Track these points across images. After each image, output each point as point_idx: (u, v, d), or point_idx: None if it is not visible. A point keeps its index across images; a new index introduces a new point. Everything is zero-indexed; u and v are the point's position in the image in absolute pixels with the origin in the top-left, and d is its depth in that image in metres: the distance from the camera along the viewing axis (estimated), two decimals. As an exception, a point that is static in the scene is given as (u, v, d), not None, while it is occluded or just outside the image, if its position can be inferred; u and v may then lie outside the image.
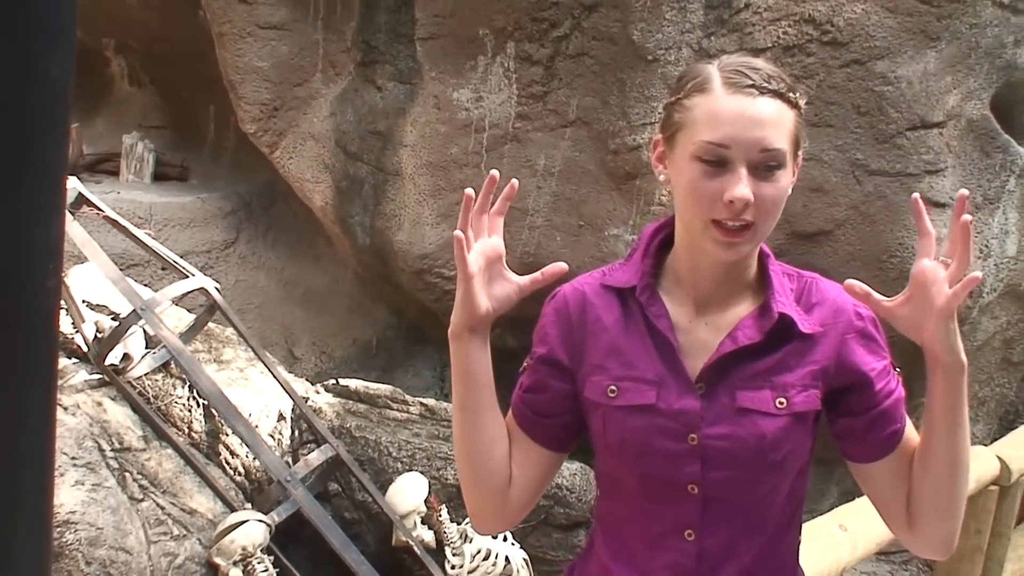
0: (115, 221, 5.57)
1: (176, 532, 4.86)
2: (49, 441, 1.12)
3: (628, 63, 6.81)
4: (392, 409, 5.88)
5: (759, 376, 2.04)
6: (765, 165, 1.93)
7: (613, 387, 2.06)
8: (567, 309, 2.14)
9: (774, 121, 1.93)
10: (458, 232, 1.94)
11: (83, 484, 4.60)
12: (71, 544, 4.40)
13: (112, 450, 4.90)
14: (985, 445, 5.07)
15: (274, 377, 5.58)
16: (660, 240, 2.14)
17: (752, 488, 2.05)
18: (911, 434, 2.06)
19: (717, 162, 1.93)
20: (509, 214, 6.57)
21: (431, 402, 6.00)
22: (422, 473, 5.49)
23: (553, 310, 2.17)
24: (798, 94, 1.99)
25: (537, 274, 1.99)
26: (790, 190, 2.02)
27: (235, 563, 4.81)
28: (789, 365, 2.04)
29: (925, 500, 2.03)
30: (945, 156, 6.52)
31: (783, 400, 2.02)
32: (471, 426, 2.10)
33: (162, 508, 4.90)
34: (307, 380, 6.49)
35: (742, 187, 1.90)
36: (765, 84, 1.93)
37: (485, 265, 2.01)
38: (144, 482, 4.93)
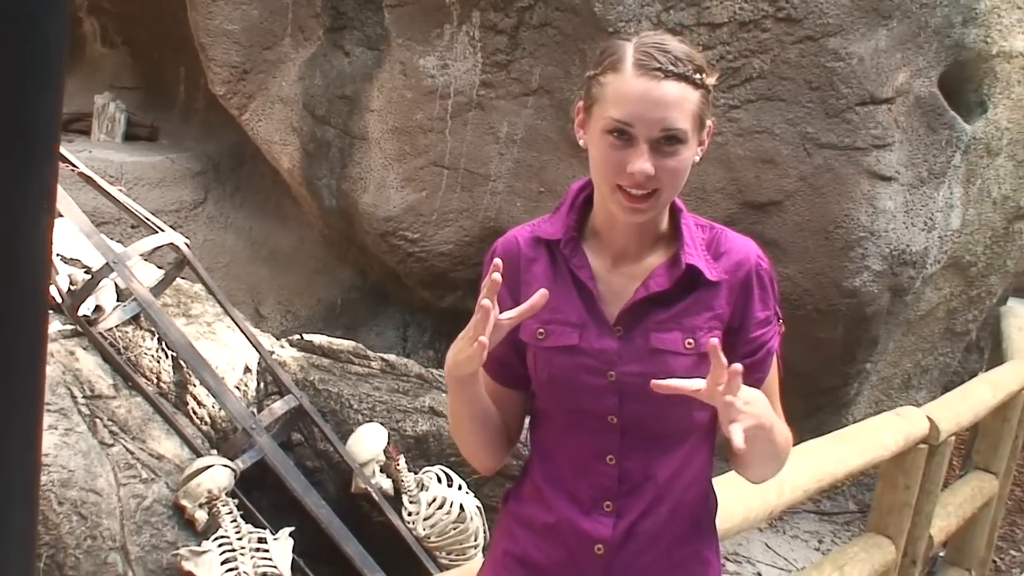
0: (89, 178, 5.67)
1: (145, 476, 4.95)
2: (38, 384, 1.11)
3: (589, 34, 6.96)
4: (354, 364, 6.00)
5: (670, 320, 2.26)
6: (666, 142, 2.13)
7: (542, 330, 2.29)
8: (505, 260, 2.32)
9: (676, 103, 2.11)
10: (485, 302, 2.04)
11: (56, 429, 4.71)
12: (44, 485, 4.50)
13: (84, 397, 4.99)
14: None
15: (241, 331, 5.68)
16: (584, 197, 2.36)
17: (664, 418, 2.28)
18: (769, 386, 2.31)
19: (623, 137, 2.14)
20: (472, 179, 6.75)
21: (392, 357, 6.12)
22: (382, 424, 5.63)
23: (492, 257, 2.37)
24: (704, 75, 2.16)
25: (525, 306, 2.09)
26: (697, 158, 2.22)
27: (201, 506, 4.92)
28: (696, 309, 2.27)
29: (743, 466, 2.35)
30: (893, 131, 6.69)
31: (691, 341, 2.24)
32: (480, 427, 2.33)
33: (131, 453, 4.98)
34: (272, 336, 6.60)
35: (642, 162, 2.11)
36: (671, 67, 2.11)
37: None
38: (114, 428, 5.01)
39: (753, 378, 2.24)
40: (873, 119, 6.63)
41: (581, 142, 2.27)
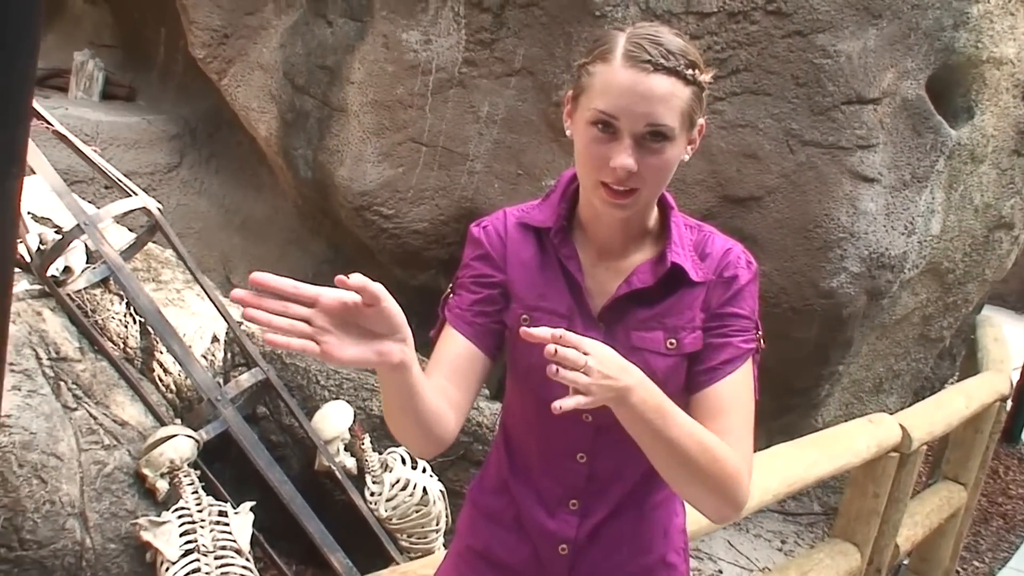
0: (64, 136, 5.61)
1: (107, 442, 4.91)
2: (1, 343, 1.07)
3: (576, 17, 6.90)
4: (324, 339, 5.95)
5: (652, 318, 2.22)
6: (652, 138, 2.07)
7: (527, 316, 2.25)
8: (495, 234, 2.32)
9: (664, 98, 2.05)
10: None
11: (19, 390, 4.66)
12: (4, 446, 4.47)
13: (48, 359, 4.94)
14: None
15: (210, 300, 5.64)
16: (575, 187, 2.31)
17: None
18: (732, 401, 2.17)
19: (607, 130, 2.08)
20: (450, 157, 6.69)
21: (363, 334, 6.06)
22: (348, 402, 5.59)
23: (482, 231, 2.34)
24: (697, 71, 2.09)
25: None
26: (686, 158, 2.17)
27: (162, 475, 4.88)
28: (679, 309, 2.22)
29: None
30: (878, 132, 6.65)
31: (673, 341, 2.20)
32: (413, 416, 2.04)
33: (94, 418, 4.94)
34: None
35: (624, 157, 2.05)
36: (662, 61, 2.04)
37: (341, 324, 1.81)
38: (78, 392, 4.97)
39: (700, 369, 2.20)
40: (858, 119, 6.59)
41: (568, 132, 2.22)
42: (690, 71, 2.08)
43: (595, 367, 1.88)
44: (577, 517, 2.33)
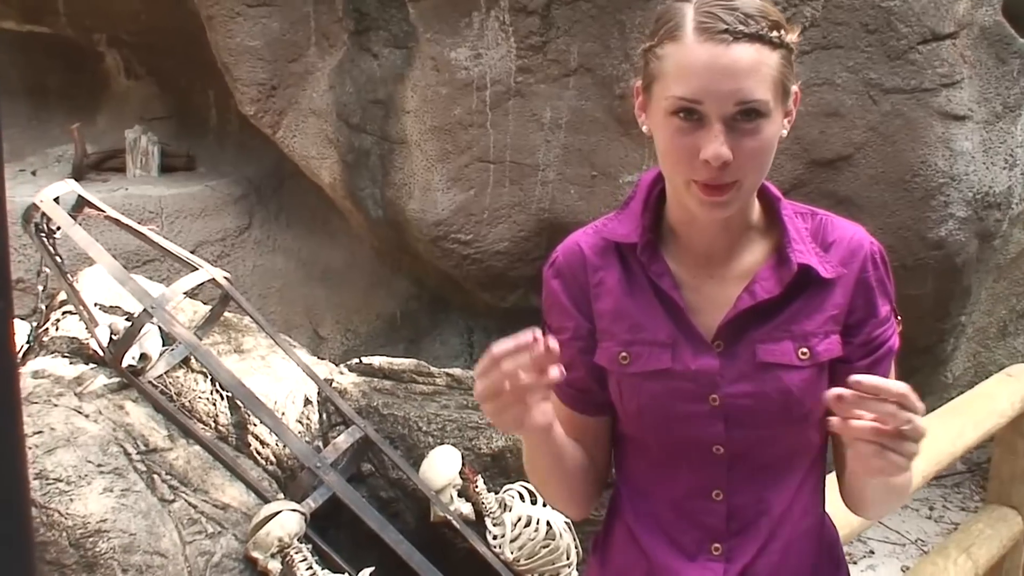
0: (117, 220, 5.47)
1: (211, 530, 4.76)
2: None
3: (626, 3, 6.72)
4: (418, 383, 5.76)
5: (778, 328, 1.94)
6: (744, 118, 1.78)
7: (624, 353, 1.97)
8: (570, 274, 2.03)
9: (751, 69, 1.77)
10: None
11: (111, 491, 4.51)
12: (105, 553, 4.32)
13: (138, 453, 4.80)
14: (1033, 360, 4.94)
15: (294, 362, 5.48)
16: (660, 190, 2.00)
17: (778, 442, 1.98)
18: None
19: (691, 118, 1.79)
20: (520, 171, 6.50)
21: (457, 372, 5.88)
22: (454, 445, 5.37)
23: (556, 278, 2.05)
24: (782, 32, 1.81)
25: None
26: (784, 133, 1.88)
27: (273, 555, 4.72)
28: (808, 312, 1.94)
29: (861, 498, 2.05)
30: (960, 67, 6.39)
31: (806, 351, 1.92)
32: (561, 475, 2.06)
33: (194, 507, 4.80)
34: (333, 359, 6.41)
35: (717, 146, 1.76)
36: (741, 27, 1.76)
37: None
38: (174, 482, 4.84)
39: None
40: (938, 57, 6.32)
41: (644, 128, 1.91)
42: (775, 33, 1.79)
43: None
44: (722, 563, 2.03)
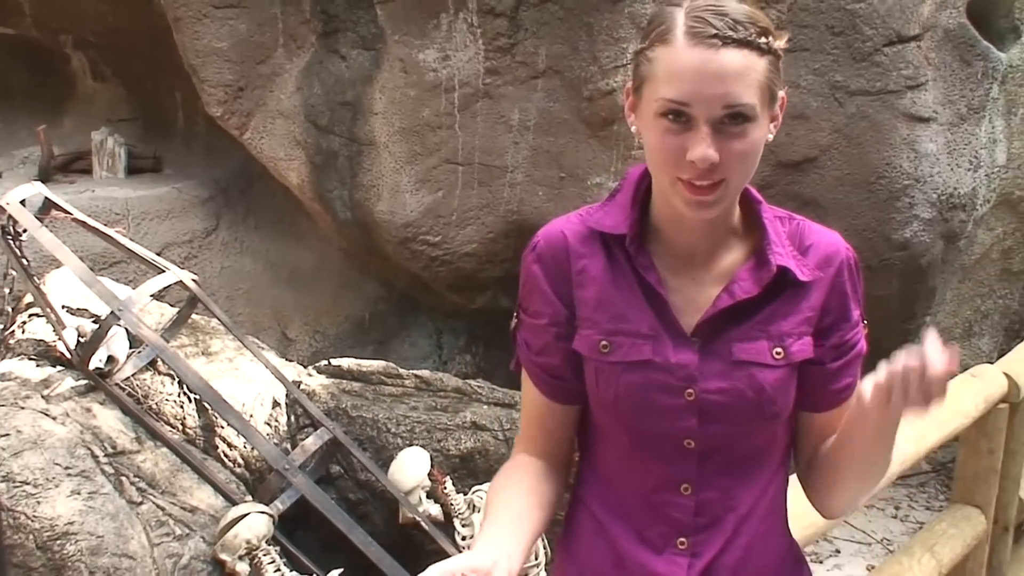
0: (83, 222, 5.45)
1: (179, 532, 4.76)
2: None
3: (593, 5, 6.73)
4: (387, 384, 5.75)
5: (754, 327, 1.97)
6: (731, 121, 1.80)
7: (605, 342, 1.99)
8: (552, 260, 2.04)
9: (739, 74, 1.79)
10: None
11: (79, 493, 4.51)
12: (73, 556, 4.32)
13: (106, 455, 4.80)
14: (991, 362, 4.96)
15: (262, 364, 5.47)
16: (646, 187, 2.02)
17: (748, 439, 2.01)
18: (858, 391, 1.97)
19: (680, 120, 1.81)
20: (488, 172, 6.49)
21: (426, 373, 5.87)
22: (423, 446, 5.38)
23: (537, 263, 2.06)
24: (770, 38, 1.83)
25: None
26: (770, 137, 1.90)
27: (241, 557, 4.73)
28: (784, 313, 1.98)
29: (840, 479, 2.06)
30: (925, 69, 6.44)
31: (780, 350, 1.96)
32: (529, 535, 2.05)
33: (162, 509, 4.80)
34: (301, 361, 6.39)
35: (704, 148, 1.79)
36: (730, 33, 1.78)
37: None
38: (141, 484, 4.84)
39: (843, 384, 2.00)
40: (903, 59, 6.36)
41: (633, 128, 1.94)
42: (763, 39, 1.81)
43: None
44: (687, 557, 2.05)
